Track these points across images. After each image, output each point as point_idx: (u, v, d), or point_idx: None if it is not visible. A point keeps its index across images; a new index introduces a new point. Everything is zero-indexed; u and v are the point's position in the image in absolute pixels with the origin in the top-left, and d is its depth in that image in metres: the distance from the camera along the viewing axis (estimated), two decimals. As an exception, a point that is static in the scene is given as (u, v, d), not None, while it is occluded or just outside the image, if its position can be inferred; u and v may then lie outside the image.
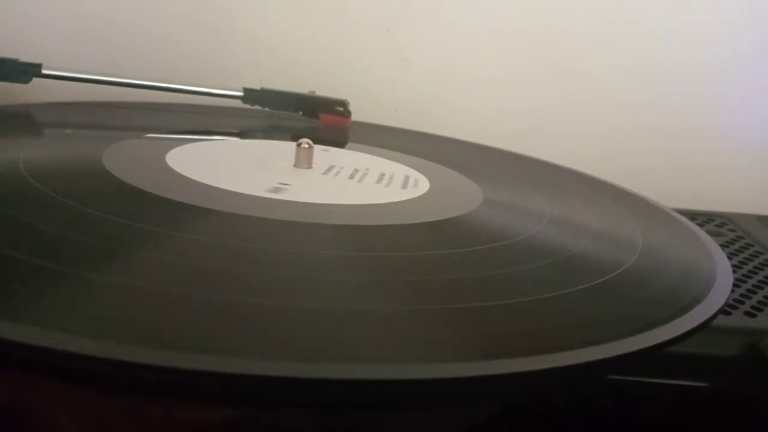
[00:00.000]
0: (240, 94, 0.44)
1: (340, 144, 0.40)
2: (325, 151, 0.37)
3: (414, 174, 0.35)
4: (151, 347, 0.16)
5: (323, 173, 0.33)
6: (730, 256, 0.29)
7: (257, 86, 0.45)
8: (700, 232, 0.32)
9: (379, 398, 0.18)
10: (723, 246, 0.30)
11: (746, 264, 0.37)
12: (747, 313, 0.31)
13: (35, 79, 0.41)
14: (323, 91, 0.46)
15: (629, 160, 0.50)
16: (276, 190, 0.29)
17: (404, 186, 0.33)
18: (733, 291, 0.25)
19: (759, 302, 0.32)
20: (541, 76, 0.50)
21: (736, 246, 0.39)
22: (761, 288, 0.34)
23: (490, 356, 0.18)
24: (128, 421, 0.19)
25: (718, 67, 0.50)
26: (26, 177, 0.27)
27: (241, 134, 0.42)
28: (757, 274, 0.36)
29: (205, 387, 0.17)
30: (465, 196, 0.32)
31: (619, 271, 0.25)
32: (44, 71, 0.40)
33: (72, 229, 0.23)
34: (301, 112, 0.45)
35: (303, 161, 0.33)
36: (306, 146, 0.33)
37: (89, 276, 0.20)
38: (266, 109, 0.45)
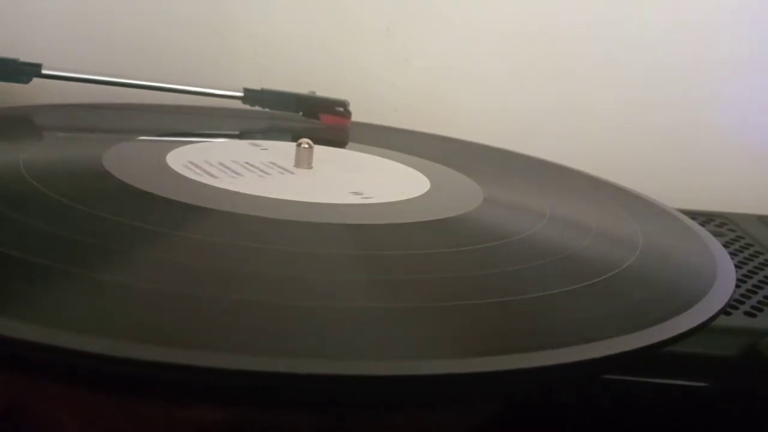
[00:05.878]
0: (240, 94, 0.44)
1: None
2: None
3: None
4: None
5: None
6: (730, 256, 0.29)
7: (257, 86, 0.45)
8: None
9: (379, 396, 0.18)
10: (723, 246, 0.30)
11: (746, 264, 0.37)
12: (747, 313, 0.31)
13: (35, 79, 0.41)
14: (323, 91, 0.46)
15: (629, 160, 0.50)
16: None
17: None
18: (733, 291, 0.25)
19: (759, 302, 0.32)
20: (541, 76, 0.50)
21: (736, 246, 0.39)
22: (761, 288, 0.34)
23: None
24: (128, 421, 0.19)
25: (718, 67, 0.50)
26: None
27: (241, 134, 0.42)
28: (757, 274, 0.36)
29: (206, 385, 0.17)
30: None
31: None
32: (44, 71, 0.40)
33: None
34: (301, 113, 0.45)
35: (303, 161, 0.33)
36: (306, 146, 0.33)
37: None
38: (266, 109, 0.45)
